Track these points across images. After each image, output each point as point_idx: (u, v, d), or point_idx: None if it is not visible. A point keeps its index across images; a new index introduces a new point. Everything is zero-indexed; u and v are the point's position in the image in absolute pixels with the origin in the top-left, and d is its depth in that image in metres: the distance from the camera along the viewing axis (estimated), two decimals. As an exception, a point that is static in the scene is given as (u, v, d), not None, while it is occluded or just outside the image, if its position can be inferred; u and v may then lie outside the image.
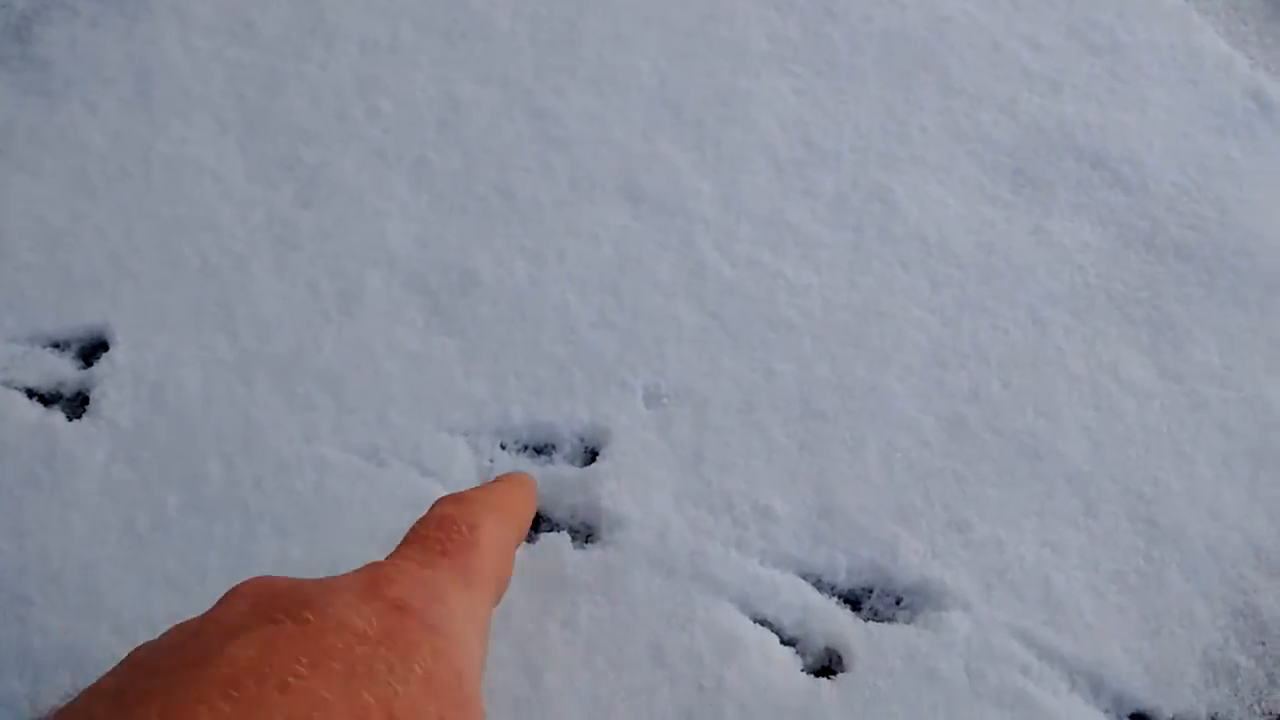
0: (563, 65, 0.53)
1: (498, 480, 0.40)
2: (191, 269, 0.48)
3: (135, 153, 0.51)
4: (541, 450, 0.45)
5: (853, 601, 0.42)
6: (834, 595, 0.42)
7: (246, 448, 0.44)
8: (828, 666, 0.41)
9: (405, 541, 0.34)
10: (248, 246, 0.48)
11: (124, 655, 0.29)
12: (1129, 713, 0.41)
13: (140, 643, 0.29)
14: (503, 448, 0.45)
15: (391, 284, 0.47)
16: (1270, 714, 0.42)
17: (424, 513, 0.35)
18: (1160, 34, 0.56)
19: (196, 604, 0.41)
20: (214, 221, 0.49)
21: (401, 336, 0.46)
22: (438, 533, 0.33)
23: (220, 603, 0.29)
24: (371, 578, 0.30)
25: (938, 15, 0.56)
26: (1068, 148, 0.52)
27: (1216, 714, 0.41)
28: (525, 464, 0.44)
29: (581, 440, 0.45)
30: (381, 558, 0.41)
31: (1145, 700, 0.41)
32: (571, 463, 0.44)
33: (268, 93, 0.52)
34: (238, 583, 0.30)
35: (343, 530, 0.42)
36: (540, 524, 0.44)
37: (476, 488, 0.38)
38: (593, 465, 0.44)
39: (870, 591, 0.43)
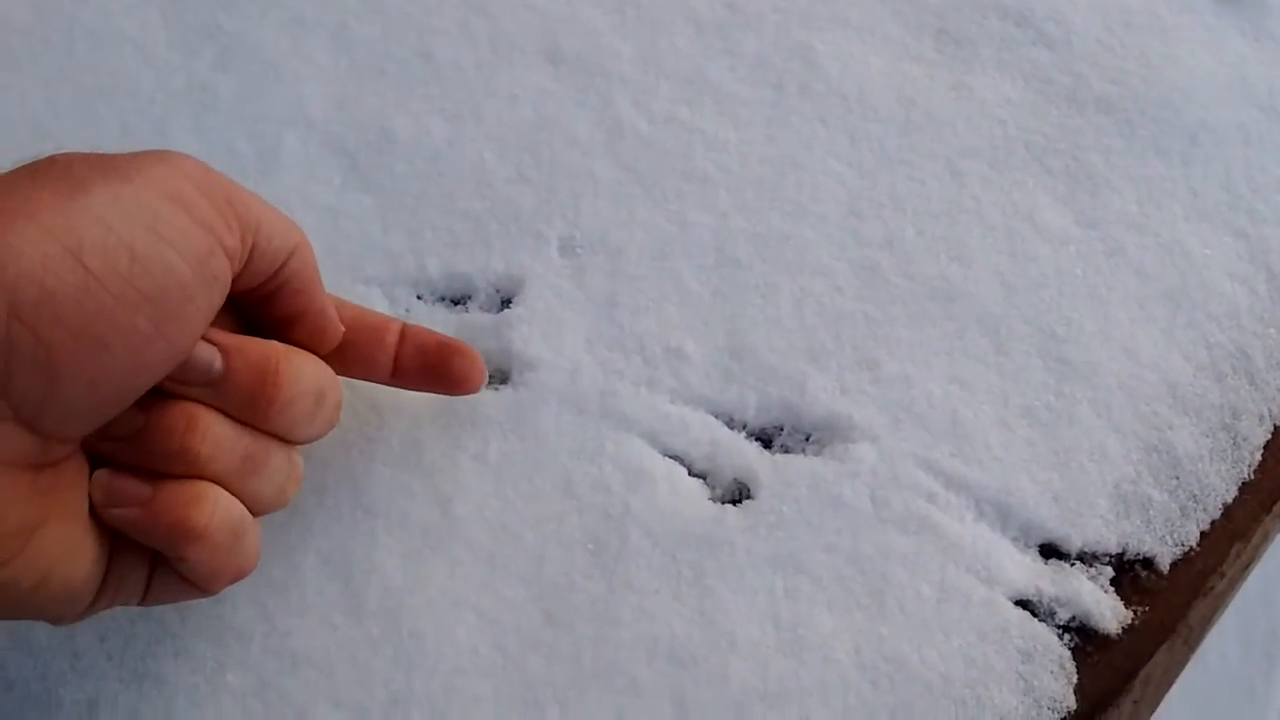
0: (485, -67, 0.53)
1: None
2: (111, 132, 0.48)
3: (59, 24, 0.51)
4: (458, 301, 0.45)
5: (764, 439, 0.43)
6: (744, 432, 0.43)
7: (163, 300, 0.44)
8: (736, 497, 0.42)
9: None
10: (166, 110, 0.48)
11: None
12: (1038, 542, 0.42)
13: None
14: (419, 298, 0.45)
15: (309, 144, 0.48)
16: (1181, 544, 0.43)
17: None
18: (1091, -102, 0.56)
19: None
20: (134, 88, 0.49)
21: (318, 193, 0.46)
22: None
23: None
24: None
25: (866, -118, 0.56)
26: (993, 6, 0.52)
27: (1127, 545, 0.42)
28: (441, 313, 0.45)
29: (497, 290, 0.45)
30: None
31: (1054, 530, 0.42)
32: (487, 311, 0.45)
33: (190, -36, 0.53)
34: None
35: (258, 376, 0.43)
36: (455, 370, 0.44)
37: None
38: (506, 311, 0.44)
39: (780, 429, 0.43)
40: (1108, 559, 0.42)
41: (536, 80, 0.50)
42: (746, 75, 0.50)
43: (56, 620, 0.31)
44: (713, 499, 0.41)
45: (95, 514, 0.30)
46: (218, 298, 0.30)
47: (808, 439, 0.43)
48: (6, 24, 0.51)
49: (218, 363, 0.31)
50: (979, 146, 0.49)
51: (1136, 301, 0.46)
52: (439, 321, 0.44)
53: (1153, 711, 0.42)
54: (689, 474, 0.42)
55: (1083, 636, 0.40)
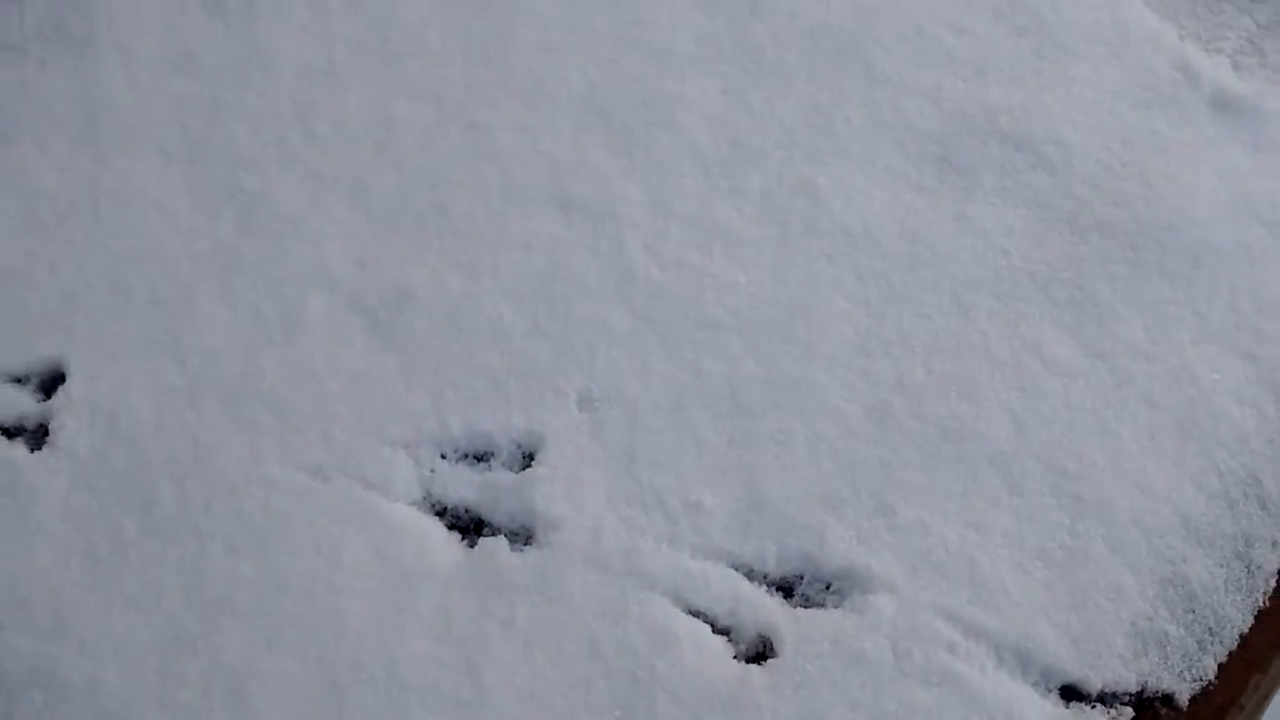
0: (494, 79, 0.55)
1: None
2: (140, 300, 0.50)
3: (83, 189, 0.53)
4: (480, 458, 0.47)
5: (785, 589, 0.44)
6: (765, 584, 0.44)
7: (197, 470, 0.46)
8: (760, 654, 0.43)
9: None
10: (193, 276, 0.50)
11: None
12: (1058, 685, 0.43)
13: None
14: (443, 457, 0.46)
15: (332, 305, 0.49)
16: (1199, 679, 0.43)
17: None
18: (1087, 10, 0.57)
19: (156, 622, 0.43)
20: (160, 253, 0.51)
21: (342, 355, 0.48)
22: None
23: None
24: None
25: (863, 6, 0.57)
26: (992, 131, 0.53)
27: (1146, 683, 0.43)
28: (465, 472, 0.46)
29: (518, 446, 0.47)
30: (328, 571, 0.43)
31: (1073, 672, 0.43)
32: (509, 469, 0.46)
33: (209, 122, 0.54)
34: None
35: (290, 546, 0.44)
36: (481, 528, 0.45)
37: None
38: (529, 470, 0.46)
39: (800, 578, 0.44)
40: (1128, 698, 0.42)
41: (549, 228, 0.51)
42: (753, 214, 0.51)
43: None
44: (737, 656, 0.42)
45: None
46: None
47: (828, 588, 0.44)
48: (34, 188, 0.53)
49: None
50: (983, 278, 0.50)
51: (1147, 433, 0.46)
52: (463, 481, 0.46)
53: None
54: (712, 631, 0.43)
55: (1106, 780, 0.41)
